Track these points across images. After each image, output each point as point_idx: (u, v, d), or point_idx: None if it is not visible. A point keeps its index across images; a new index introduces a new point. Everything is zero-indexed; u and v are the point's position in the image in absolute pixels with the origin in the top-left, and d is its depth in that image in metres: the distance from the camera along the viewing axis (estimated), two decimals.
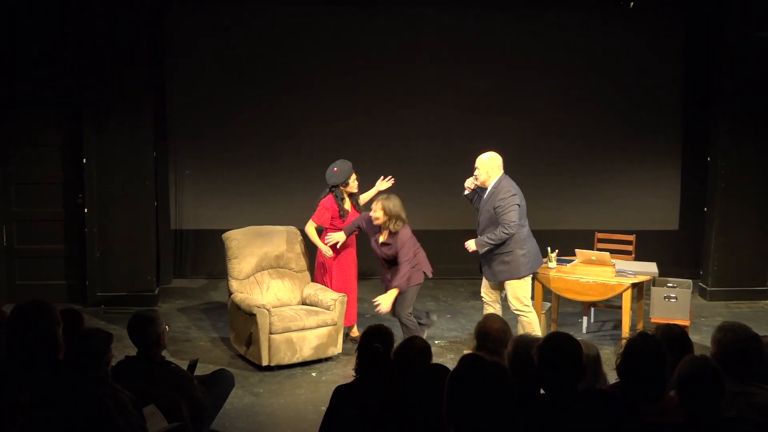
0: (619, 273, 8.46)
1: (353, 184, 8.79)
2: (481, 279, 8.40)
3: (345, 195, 8.80)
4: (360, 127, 11.18)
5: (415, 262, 8.40)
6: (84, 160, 9.95)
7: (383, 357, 4.88)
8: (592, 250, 9.22)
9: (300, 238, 9.09)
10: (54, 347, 4.55)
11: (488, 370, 3.32)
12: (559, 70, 11.22)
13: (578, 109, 11.32)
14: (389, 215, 8.25)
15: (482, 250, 8.06)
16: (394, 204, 8.27)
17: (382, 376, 4.76)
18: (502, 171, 8.12)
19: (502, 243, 7.97)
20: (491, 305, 8.29)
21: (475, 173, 8.14)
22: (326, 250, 8.69)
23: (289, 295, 8.84)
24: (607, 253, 8.91)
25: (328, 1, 10.98)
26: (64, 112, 10.07)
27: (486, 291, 8.35)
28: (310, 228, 8.78)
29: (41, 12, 9.72)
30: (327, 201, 8.76)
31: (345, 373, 8.02)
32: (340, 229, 8.73)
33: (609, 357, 7.11)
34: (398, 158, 11.20)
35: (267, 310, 8.09)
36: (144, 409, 4.95)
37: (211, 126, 11.11)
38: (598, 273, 8.54)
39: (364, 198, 9.05)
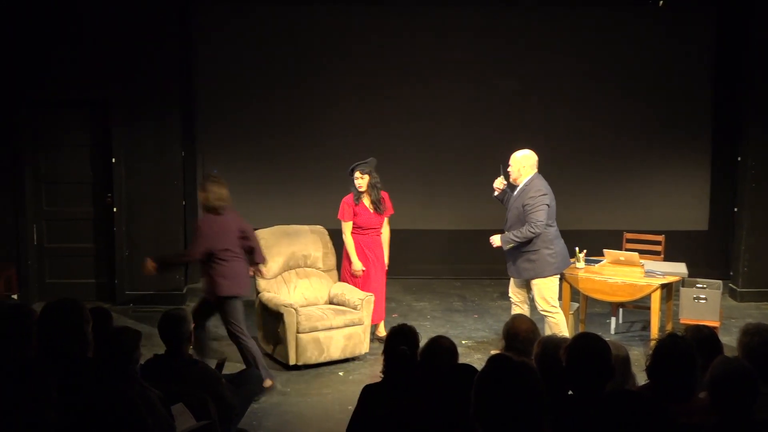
0: (648, 273, 8.40)
1: (360, 181, 8.79)
2: (509, 279, 8.37)
3: (356, 188, 8.83)
4: (388, 127, 11.18)
5: None
6: (113, 160, 10.01)
7: (410, 358, 4.87)
8: (621, 250, 9.16)
9: (327, 238, 9.09)
10: (83, 345, 4.58)
11: (516, 371, 3.31)
12: (588, 69, 11.18)
13: (607, 108, 11.26)
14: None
15: (506, 247, 8.03)
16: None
17: (410, 376, 4.75)
18: (535, 170, 8.06)
19: (528, 241, 7.93)
20: (519, 305, 8.25)
21: (508, 169, 8.11)
22: (357, 266, 8.78)
23: (316, 294, 8.84)
24: (636, 253, 8.85)
25: (351, 2, 10.98)
26: (93, 111, 10.14)
27: (514, 291, 8.31)
28: (348, 236, 8.84)
29: (69, 11, 9.79)
30: (346, 197, 8.89)
31: (372, 372, 8.02)
32: (366, 229, 8.82)
33: (638, 358, 7.06)
34: (426, 159, 11.21)
35: (294, 309, 8.10)
36: (173, 407, 4.97)
37: (238, 125, 11.15)
38: (627, 273, 8.48)
39: None
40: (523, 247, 7.98)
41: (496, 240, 8.10)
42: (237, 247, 7.58)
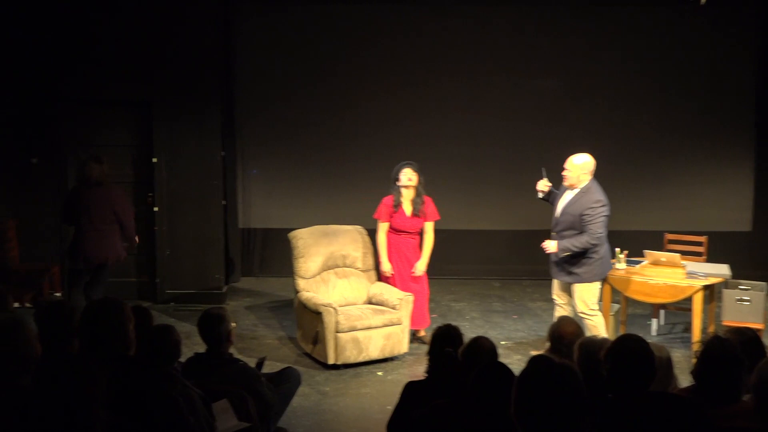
0: (690, 275, 8.31)
1: (403, 179, 8.77)
2: (551, 280, 8.32)
3: (400, 190, 8.79)
4: (427, 126, 11.15)
5: None
6: (154, 160, 10.09)
7: (454, 359, 4.87)
8: (662, 251, 9.07)
9: (366, 237, 9.10)
10: (125, 344, 4.62)
11: (557, 372, 3.29)
12: (629, 67, 11.09)
13: (649, 107, 11.17)
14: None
15: (562, 255, 7.95)
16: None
17: (453, 376, 4.75)
18: (592, 176, 7.98)
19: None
20: (563, 308, 8.18)
21: (563, 173, 8.00)
22: (386, 266, 8.80)
23: (355, 294, 8.85)
24: (678, 254, 8.76)
25: (393, 1, 10.98)
26: (134, 111, 10.23)
27: (558, 293, 8.25)
28: (382, 235, 8.85)
29: (111, 12, 9.88)
30: (387, 197, 8.87)
31: (411, 372, 8.02)
32: (399, 231, 8.82)
33: (679, 360, 6.99)
34: (466, 158, 11.18)
35: (333, 308, 8.12)
36: (215, 404, 5.00)
37: (277, 125, 11.20)
38: (668, 275, 8.40)
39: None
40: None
41: (551, 246, 7.98)
42: None
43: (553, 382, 3.25)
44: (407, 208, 8.83)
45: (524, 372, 3.37)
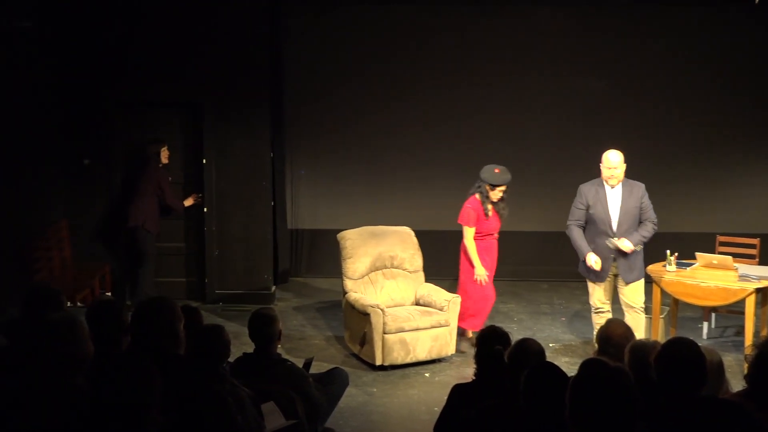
0: (742, 277, 8.19)
1: (498, 195, 8.59)
2: (590, 287, 8.27)
3: (489, 195, 8.59)
4: (475, 127, 11.12)
5: None
6: (203, 161, 10.17)
7: (502, 359, 4.85)
8: (714, 253, 8.96)
9: (414, 239, 9.09)
10: (176, 343, 4.66)
11: (612, 375, 3.28)
12: (681, 67, 10.97)
13: (701, 108, 11.04)
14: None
15: (638, 248, 8.03)
16: None
17: (500, 378, 4.73)
18: None
19: None
20: (608, 314, 8.12)
21: (612, 173, 7.94)
22: (481, 271, 8.65)
23: (402, 295, 8.86)
24: (730, 257, 8.65)
25: (441, 0, 10.97)
26: (184, 113, 10.32)
27: (604, 300, 8.20)
28: (470, 241, 8.65)
29: (161, 13, 9.98)
30: (470, 200, 8.68)
31: (458, 374, 8.01)
32: (485, 234, 8.73)
33: (731, 364, 6.93)
34: (515, 159, 11.08)
35: (381, 309, 8.13)
36: (263, 405, 5.03)
37: (326, 126, 11.22)
38: (720, 277, 8.29)
39: None
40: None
41: (629, 244, 7.94)
42: None
43: (606, 385, 3.23)
44: (490, 210, 8.68)
45: (578, 375, 3.36)
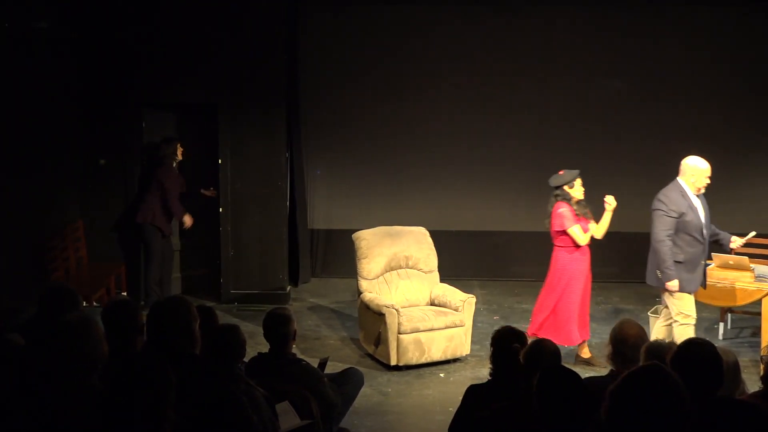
0: (759, 278, 8.17)
1: (580, 189, 8.20)
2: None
3: (571, 197, 8.17)
4: (490, 128, 11.09)
5: None
6: (219, 161, 10.19)
7: (518, 359, 4.84)
8: (730, 254, 8.92)
9: (429, 239, 9.08)
10: (192, 342, 4.67)
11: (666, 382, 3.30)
12: (693, 68, 10.94)
13: (717, 108, 10.99)
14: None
15: None
16: None
17: (515, 379, 4.72)
18: None
19: None
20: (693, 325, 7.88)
21: (705, 183, 7.71)
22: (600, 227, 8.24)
23: (417, 295, 8.85)
24: (746, 257, 8.61)
25: (459, 0, 10.95)
26: (200, 114, 10.34)
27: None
28: (585, 236, 8.16)
29: (177, 15, 10.01)
30: (559, 207, 8.18)
31: (474, 374, 8.00)
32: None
33: (747, 365, 6.89)
34: (529, 159, 11.10)
35: (396, 310, 8.13)
36: (277, 405, 5.03)
37: (342, 126, 11.24)
38: (736, 278, 8.26)
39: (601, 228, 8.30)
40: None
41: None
42: None
43: (662, 393, 3.26)
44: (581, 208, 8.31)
45: (619, 383, 3.36)
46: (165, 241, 10.06)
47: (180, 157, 9.99)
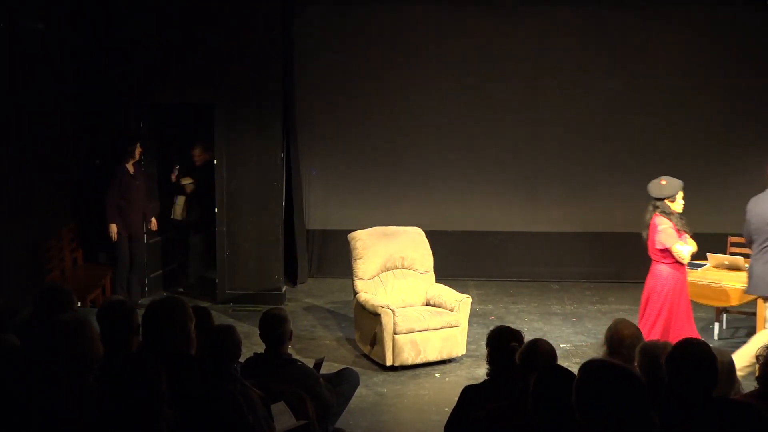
0: None
1: (680, 203, 7.79)
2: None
3: (672, 212, 7.73)
4: (488, 129, 11.12)
5: None
6: (214, 161, 10.19)
7: (514, 360, 4.84)
8: (725, 254, 8.94)
9: (425, 239, 9.08)
10: (187, 343, 4.66)
11: (613, 374, 3.30)
12: (690, 68, 10.97)
13: (711, 108, 11.02)
14: None
15: None
16: None
17: (511, 379, 4.72)
18: None
19: None
20: None
21: None
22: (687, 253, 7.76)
23: (413, 295, 8.85)
24: (741, 257, 8.63)
25: (456, 1, 10.96)
26: (196, 114, 10.35)
27: None
28: (683, 251, 7.69)
29: (174, 16, 10.01)
30: (660, 222, 7.70)
31: (469, 374, 8.01)
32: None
33: None
34: (527, 161, 11.13)
35: (391, 310, 8.13)
36: (273, 406, 5.03)
37: (337, 127, 11.25)
38: (731, 278, 8.29)
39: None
40: None
41: None
42: None
43: (608, 385, 3.25)
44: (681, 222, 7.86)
45: (579, 377, 3.37)
46: (136, 245, 9.97)
47: (137, 157, 9.84)
